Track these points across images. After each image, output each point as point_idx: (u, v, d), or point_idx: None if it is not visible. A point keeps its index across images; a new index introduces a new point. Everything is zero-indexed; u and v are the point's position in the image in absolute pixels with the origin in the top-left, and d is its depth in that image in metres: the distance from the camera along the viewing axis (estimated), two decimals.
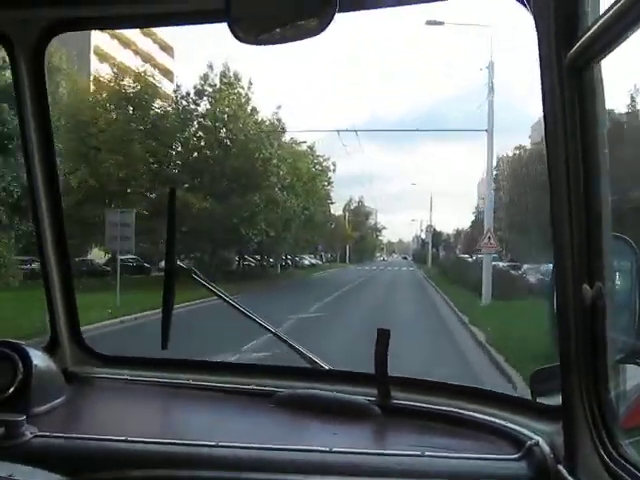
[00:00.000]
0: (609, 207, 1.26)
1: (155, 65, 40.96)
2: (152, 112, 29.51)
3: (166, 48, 59.20)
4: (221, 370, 2.01)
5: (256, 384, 1.89)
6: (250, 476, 1.43)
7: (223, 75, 30.65)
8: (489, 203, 25.20)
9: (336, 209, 69.29)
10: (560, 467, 1.35)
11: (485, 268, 22.85)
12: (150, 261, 36.67)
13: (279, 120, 32.38)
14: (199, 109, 30.49)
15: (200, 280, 1.99)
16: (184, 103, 30.58)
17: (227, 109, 30.13)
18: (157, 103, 30.20)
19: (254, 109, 31.16)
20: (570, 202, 1.23)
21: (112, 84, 29.63)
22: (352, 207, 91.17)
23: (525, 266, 28.80)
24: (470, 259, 45.88)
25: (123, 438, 1.50)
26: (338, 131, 31.19)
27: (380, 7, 1.73)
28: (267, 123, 31.68)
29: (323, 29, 1.40)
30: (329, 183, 42.01)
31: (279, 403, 1.79)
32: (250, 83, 31.12)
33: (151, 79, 29.75)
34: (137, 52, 52.57)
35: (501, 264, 33.24)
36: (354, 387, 1.81)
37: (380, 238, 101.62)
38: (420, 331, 15.65)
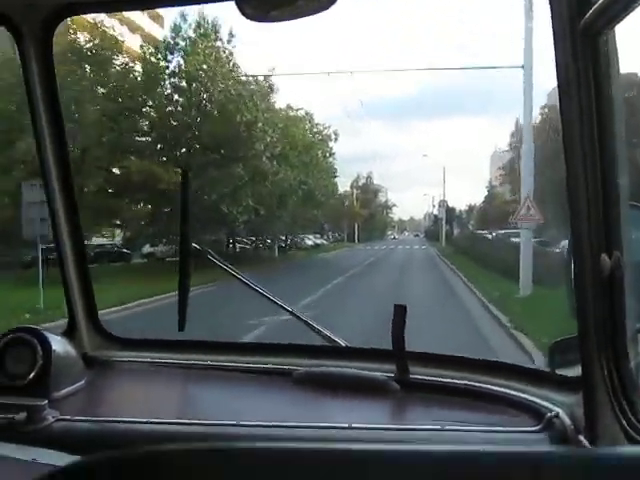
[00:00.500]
0: (626, 175, 1.28)
1: (144, 35, 36.15)
2: (113, 70, 24.82)
3: (156, 17, 54.70)
4: (239, 350, 2.04)
5: (274, 363, 1.90)
6: (271, 453, 1.40)
7: (198, 26, 25.91)
8: (526, 159, 19.54)
9: (343, 185, 66.10)
10: (581, 438, 1.35)
11: (524, 246, 17.67)
12: (133, 246, 32.36)
13: (267, 78, 27.55)
14: (170, 66, 25.65)
15: (216, 261, 2.02)
16: (153, 60, 25.77)
17: (204, 65, 25.37)
18: (120, 60, 25.46)
19: (235, 65, 26.38)
20: (586, 171, 1.24)
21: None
22: (360, 184, 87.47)
23: (563, 243, 24.04)
24: (489, 235, 41.48)
25: (145, 420, 1.53)
26: (329, 73, 26.85)
27: None
28: (253, 84, 26.87)
29: (332, 4, 1.43)
30: (330, 154, 37.28)
31: (298, 381, 1.80)
32: (231, 35, 26.34)
33: (111, 31, 24.84)
34: (122, 20, 47.94)
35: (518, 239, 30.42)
36: (372, 363, 1.81)
37: (391, 216, 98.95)
38: (441, 338, 10.98)
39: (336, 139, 37.03)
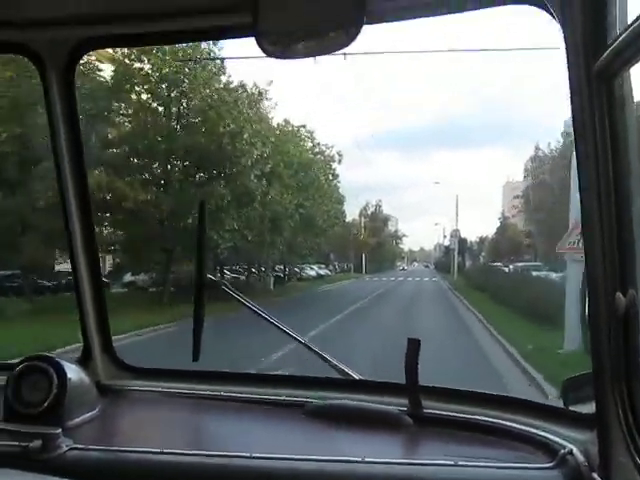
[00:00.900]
0: None
1: None
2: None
3: None
4: (252, 381, 2.05)
5: (287, 395, 1.91)
6: None
7: None
8: (575, 182, 14.82)
9: (351, 214, 62.94)
10: (595, 476, 1.35)
11: (570, 284, 12.31)
12: (112, 275, 28.80)
13: (257, 88, 24.05)
14: (145, 67, 22.23)
15: (231, 292, 2.04)
16: (127, 62, 22.39)
17: (186, 69, 22.01)
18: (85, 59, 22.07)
19: (221, 69, 22.99)
20: (601, 210, 1.24)
21: None
22: (369, 212, 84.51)
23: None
24: (505, 268, 37.82)
25: (158, 450, 1.53)
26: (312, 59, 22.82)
27: (407, 19, 1.68)
28: (239, 89, 23.37)
29: (350, 42, 1.45)
30: (334, 176, 33.73)
31: (310, 414, 1.81)
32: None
33: None
34: None
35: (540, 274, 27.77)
36: (385, 397, 1.82)
37: (401, 246, 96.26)
38: None
39: (340, 160, 33.60)
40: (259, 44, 1.46)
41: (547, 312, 15.27)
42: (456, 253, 55.90)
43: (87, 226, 2.06)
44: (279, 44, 1.47)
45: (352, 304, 24.46)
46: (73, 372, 1.79)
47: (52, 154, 2.02)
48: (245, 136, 21.20)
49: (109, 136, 21.39)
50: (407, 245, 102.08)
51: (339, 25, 1.43)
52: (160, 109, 22.93)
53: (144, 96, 22.35)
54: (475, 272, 44.15)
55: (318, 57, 1.53)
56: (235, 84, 23.22)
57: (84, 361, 2.07)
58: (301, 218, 28.32)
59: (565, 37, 1.28)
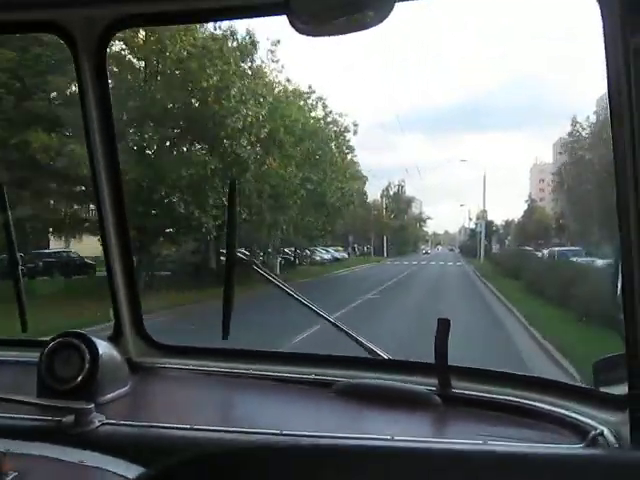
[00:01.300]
0: None
1: None
2: None
3: None
4: (281, 359, 2.07)
5: (316, 373, 1.92)
6: (315, 463, 1.48)
7: None
8: None
9: (373, 195, 59.48)
10: (626, 456, 1.36)
11: None
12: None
13: (251, 37, 20.19)
14: None
15: (260, 271, 2.08)
16: None
17: None
18: None
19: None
20: (637, 185, 1.26)
21: None
22: (391, 193, 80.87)
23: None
24: (538, 253, 33.83)
25: (188, 426, 1.55)
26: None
27: None
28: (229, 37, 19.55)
29: (382, 20, 1.46)
30: (348, 148, 29.89)
31: (339, 392, 1.82)
32: None
33: None
34: None
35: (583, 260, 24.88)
36: (414, 377, 1.82)
37: (425, 229, 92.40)
38: None
39: (355, 131, 29.75)
40: (291, 23, 1.49)
41: (607, 313, 11.49)
42: (483, 236, 51.87)
43: (119, 206, 2.07)
44: (311, 22, 1.50)
45: (363, 294, 20.81)
46: (104, 349, 1.81)
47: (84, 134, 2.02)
48: (233, 92, 17.45)
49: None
50: (431, 228, 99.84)
51: (371, 3, 1.45)
52: (138, 64, 19.30)
53: (116, 47, 18.68)
54: (504, 257, 40.14)
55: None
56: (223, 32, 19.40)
57: (115, 338, 2.10)
58: (309, 195, 24.63)
59: (602, 14, 1.28)
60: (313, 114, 27.11)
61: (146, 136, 17.68)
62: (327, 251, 43.66)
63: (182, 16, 2.01)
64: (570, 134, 39.09)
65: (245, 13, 2.00)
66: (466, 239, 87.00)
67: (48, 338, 1.80)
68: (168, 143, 18.88)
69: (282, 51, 28.93)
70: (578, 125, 36.98)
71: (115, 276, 2.10)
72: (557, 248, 34.28)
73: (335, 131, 28.76)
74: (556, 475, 1.38)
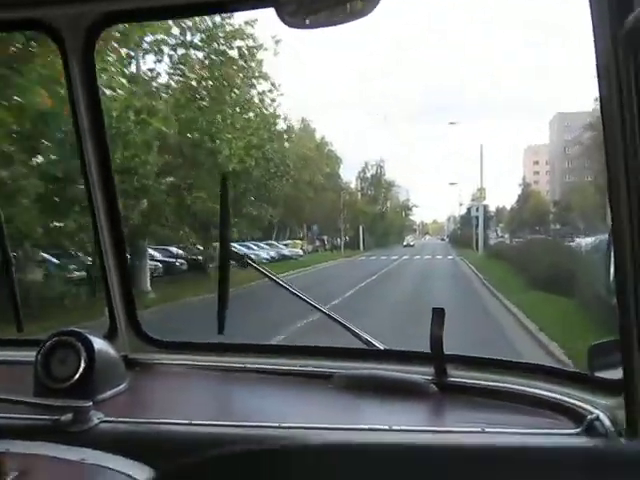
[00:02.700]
0: None
1: None
2: None
3: None
4: (278, 352, 2.07)
5: (313, 365, 1.92)
6: (314, 455, 1.49)
7: None
8: None
9: (347, 178, 54.86)
10: (622, 440, 1.37)
11: None
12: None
13: None
14: None
15: (255, 266, 2.07)
16: None
17: None
18: None
19: None
20: (628, 176, 1.27)
21: None
22: (368, 175, 69.73)
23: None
24: (572, 243, 22.58)
25: (187, 421, 1.55)
26: None
27: None
28: None
29: (370, 11, 1.47)
30: (262, 76, 18.31)
31: (337, 384, 1.82)
32: None
33: None
34: None
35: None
36: (411, 366, 1.82)
37: (412, 218, 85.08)
38: None
39: (276, 51, 18.17)
40: (279, 15, 1.49)
41: None
42: (481, 221, 40.33)
43: (111, 204, 2.07)
44: (299, 14, 1.49)
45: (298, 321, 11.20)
46: (100, 346, 1.80)
47: (74, 131, 2.03)
48: None
49: None
50: (419, 217, 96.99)
51: None
52: None
53: None
54: (517, 250, 28.62)
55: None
56: None
57: (111, 335, 2.09)
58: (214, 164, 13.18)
59: (590, 1, 1.30)
60: None
61: None
62: (259, 247, 32.03)
63: (169, 11, 2.06)
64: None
65: (234, 6, 2.01)
66: (456, 227, 78.35)
67: (44, 337, 1.79)
68: None
69: None
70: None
71: (109, 273, 2.10)
72: (589, 238, 22.42)
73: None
74: (554, 461, 1.42)
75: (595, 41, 1.29)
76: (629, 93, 1.24)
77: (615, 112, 1.27)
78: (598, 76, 1.28)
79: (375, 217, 68.57)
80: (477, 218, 43.44)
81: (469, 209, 53.46)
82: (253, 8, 1.87)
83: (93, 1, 1.87)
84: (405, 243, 66.20)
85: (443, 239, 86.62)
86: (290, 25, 1.49)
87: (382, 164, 71.20)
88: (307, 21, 1.48)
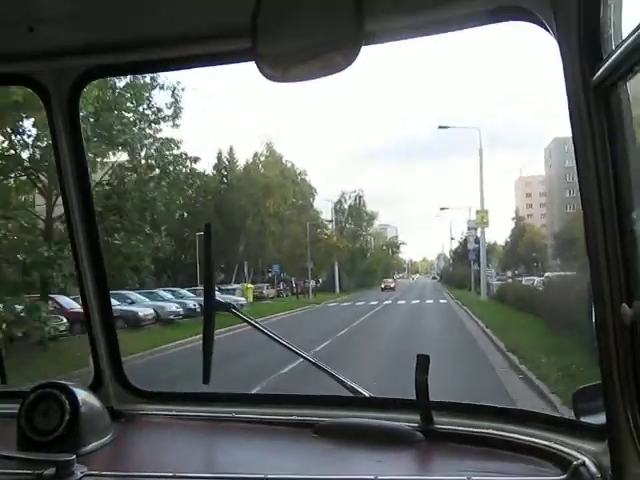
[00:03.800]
0: None
1: None
2: None
3: None
4: (263, 402, 2.11)
5: (298, 414, 1.92)
6: None
7: None
8: None
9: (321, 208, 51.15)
10: None
11: None
12: None
13: None
14: None
15: (238, 314, 2.08)
16: None
17: None
18: None
19: None
20: (604, 222, 1.27)
21: None
22: (345, 206, 60.41)
23: None
24: None
25: (171, 474, 1.56)
26: None
27: (405, 39, 1.73)
28: None
29: (350, 63, 1.49)
30: None
31: (322, 432, 1.81)
32: None
33: None
34: None
35: None
36: (396, 414, 1.81)
37: (400, 256, 78.29)
38: None
39: None
40: (259, 68, 1.51)
41: None
42: (483, 253, 30.25)
43: (96, 258, 2.07)
44: (278, 68, 1.51)
45: None
46: (85, 398, 1.79)
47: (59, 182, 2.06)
48: None
49: None
50: (408, 255, 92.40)
51: (338, 47, 1.48)
52: None
53: None
54: (549, 294, 18.71)
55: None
56: None
57: (96, 387, 2.08)
58: None
59: (562, 52, 1.32)
60: None
61: None
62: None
63: (151, 65, 2.09)
64: None
65: (214, 60, 1.99)
66: (448, 265, 69.31)
67: (28, 389, 1.77)
68: None
69: None
70: None
71: (94, 325, 2.09)
72: None
73: None
74: None
75: (567, 92, 1.31)
76: (602, 142, 1.25)
77: (589, 159, 1.27)
78: (571, 125, 1.30)
79: (354, 254, 59.03)
80: (475, 251, 33.70)
81: (465, 240, 44.08)
82: (235, 62, 1.89)
83: (77, 56, 1.91)
84: (383, 286, 53.00)
85: (435, 277, 79.82)
86: (270, 79, 1.51)
87: (362, 193, 61.75)
88: (287, 74, 1.51)
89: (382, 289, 49.64)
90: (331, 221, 53.74)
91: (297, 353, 2.03)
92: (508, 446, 1.60)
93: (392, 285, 52.95)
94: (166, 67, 2.16)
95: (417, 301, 36.60)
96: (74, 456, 1.55)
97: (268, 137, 52.93)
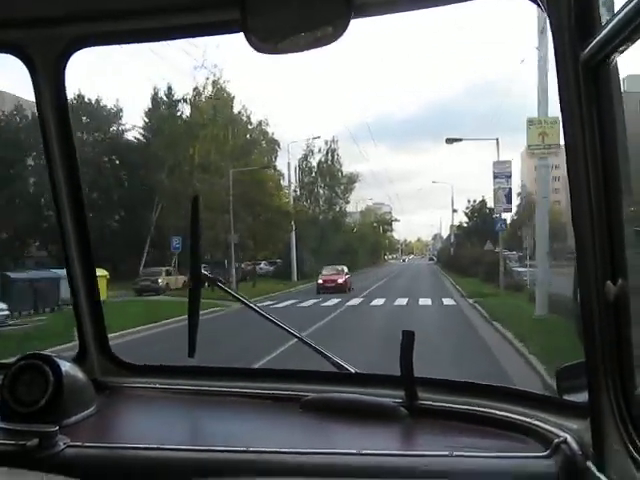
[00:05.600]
0: (632, 203, 1.33)
1: None
2: None
3: None
4: (248, 376, 2.07)
5: (283, 389, 1.92)
6: None
7: None
8: None
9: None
10: (589, 464, 1.37)
11: None
12: None
13: None
14: None
15: (225, 289, 2.09)
16: None
17: None
18: None
19: None
20: (590, 199, 1.27)
21: None
22: (314, 163, 45.48)
23: None
24: None
25: (155, 446, 1.55)
26: None
27: (395, 12, 1.72)
28: None
29: (339, 36, 1.50)
30: None
31: (306, 407, 1.81)
32: None
33: None
34: None
35: None
36: (381, 389, 1.82)
37: (392, 234, 71.67)
38: None
39: None
40: (248, 40, 1.50)
41: None
42: (542, 216, 14.79)
43: (81, 230, 2.08)
44: (269, 40, 1.51)
45: None
46: (69, 370, 1.79)
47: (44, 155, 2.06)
48: None
49: None
50: (403, 235, 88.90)
51: (328, 19, 1.49)
52: None
53: None
54: None
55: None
56: None
57: (80, 359, 2.08)
58: None
59: (552, 26, 1.32)
60: None
61: None
62: None
63: (138, 35, 2.07)
64: None
65: (202, 31, 2.04)
66: (446, 245, 60.27)
67: (11, 360, 1.78)
68: None
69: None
70: None
71: (79, 296, 2.10)
72: None
73: None
74: None
75: (557, 67, 1.31)
76: (590, 120, 1.25)
77: (578, 137, 1.26)
78: (560, 102, 1.31)
79: (325, 228, 43.61)
80: (503, 222, 18.52)
81: (480, 205, 29.47)
82: (224, 33, 1.91)
83: (64, 24, 1.89)
84: (321, 281, 28.84)
85: (432, 259, 71.24)
86: (260, 51, 1.51)
87: (335, 146, 46.17)
88: (277, 47, 1.50)
89: (318, 289, 28.06)
90: (296, 188, 38.81)
91: (286, 330, 2.00)
92: (491, 423, 1.62)
93: (340, 281, 28.59)
94: (154, 37, 2.14)
95: (403, 301, 21.86)
96: (57, 427, 1.56)
97: (219, 73, 38.29)
